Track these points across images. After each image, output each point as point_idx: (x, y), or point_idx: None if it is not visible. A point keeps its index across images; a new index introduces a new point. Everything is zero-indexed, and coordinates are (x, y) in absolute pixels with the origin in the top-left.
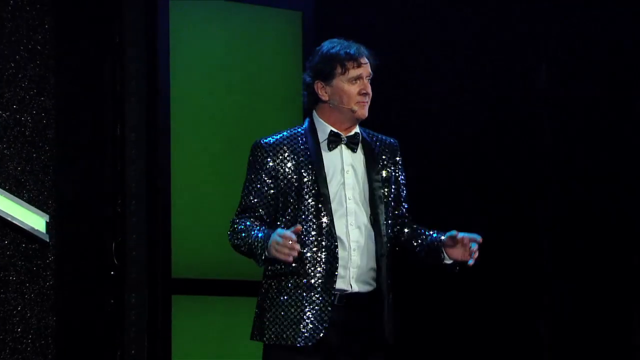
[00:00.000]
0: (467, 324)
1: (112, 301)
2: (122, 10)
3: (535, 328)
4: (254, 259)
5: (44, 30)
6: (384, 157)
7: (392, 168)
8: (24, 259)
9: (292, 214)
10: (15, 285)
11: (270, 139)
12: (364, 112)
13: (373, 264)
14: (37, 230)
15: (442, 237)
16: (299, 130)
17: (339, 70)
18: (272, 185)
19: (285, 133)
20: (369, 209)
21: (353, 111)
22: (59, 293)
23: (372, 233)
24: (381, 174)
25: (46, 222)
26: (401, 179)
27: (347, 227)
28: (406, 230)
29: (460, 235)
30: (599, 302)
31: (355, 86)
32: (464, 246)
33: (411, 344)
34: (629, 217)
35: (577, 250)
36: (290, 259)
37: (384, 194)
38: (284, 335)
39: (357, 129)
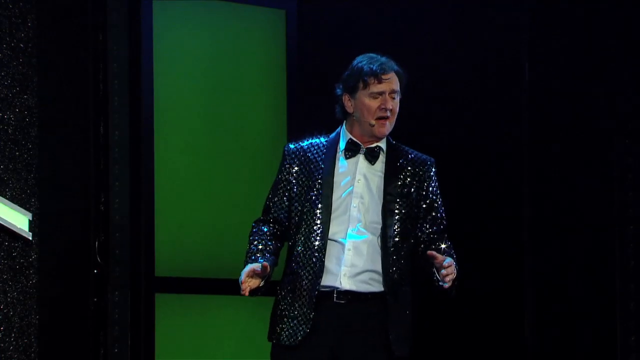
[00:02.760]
0: (452, 327)
1: (95, 299)
2: (105, 9)
3: (521, 331)
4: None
5: (27, 28)
6: (408, 173)
7: (416, 185)
8: (7, 257)
9: (300, 217)
10: None
11: (295, 145)
12: (382, 131)
13: (373, 268)
14: (20, 228)
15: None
16: (326, 137)
17: (361, 85)
18: (287, 188)
19: (313, 140)
20: (379, 220)
21: (372, 126)
22: (42, 291)
23: (377, 243)
24: (399, 189)
25: (29, 221)
26: (430, 198)
27: (346, 232)
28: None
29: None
30: (588, 304)
31: (375, 101)
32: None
33: None
34: (614, 214)
35: (563, 249)
36: (243, 293)
37: (397, 208)
38: (275, 334)
39: (380, 143)
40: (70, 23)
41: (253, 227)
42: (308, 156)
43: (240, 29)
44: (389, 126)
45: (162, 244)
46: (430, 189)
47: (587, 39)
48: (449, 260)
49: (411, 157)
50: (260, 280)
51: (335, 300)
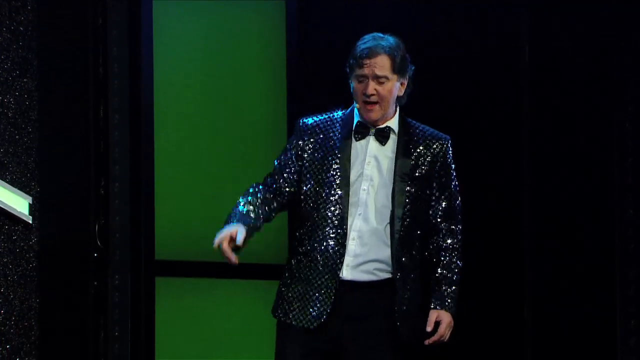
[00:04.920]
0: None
1: (95, 283)
2: None
3: (521, 326)
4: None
5: (27, 12)
6: (421, 152)
7: (429, 164)
8: (7, 241)
9: (312, 197)
10: None
11: (309, 119)
12: (369, 115)
13: (379, 256)
14: (20, 212)
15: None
16: (340, 114)
17: (350, 68)
18: (297, 163)
19: (327, 115)
20: (389, 203)
21: (360, 109)
22: (42, 275)
23: (382, 227)
24: (410, 169)
25: (29, 204)
26: (443, 176)
27: (354, 216)
28: (432, 253)
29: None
30: (590, 305)
31: (360, 85)
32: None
33: None
34: (614, 211)
35: (564, 246)
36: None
37: (407, 190)
38: (293, 319)
39: (390, 123)
40: (70, 6)
41: (252, 186)
42: (324, 134)
43: (240, 19)
44: (377, 110)
45: (162, 228)
46: (443, 167)
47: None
48: (439, 331)
49: (425, 135)
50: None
51: (340, 289)
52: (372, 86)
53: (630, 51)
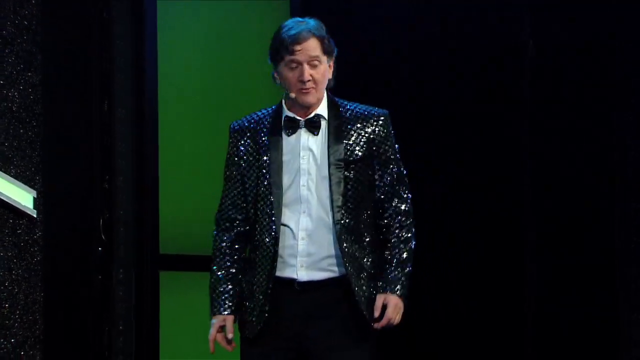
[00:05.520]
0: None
1: (100, 277)
2: None
3: (521, 320)
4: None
5: (31, 6)
6: (355, 132)
7: (366, 143)
8: (12, 235)
9: (255, 202)
10: (3, 261)
11: (238, 122)
12: (305, 99)
13: (331, 252)
14: (24, 206)
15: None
16: (268, 111)
17: (278, 56)
18: (239, 172)
19: (255, 115)
20: (328, 193)
21: (295, 97)
22: (46, 269)
23: (328, 220)
24: (346, 156)
25: (34, 198)
26: (382, 153)
27: (299, 214)
28: (383, 232)
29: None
30: (591, 305)
31: (293, 72)
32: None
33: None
34: (614, 210)
35: (564, 245)
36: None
37: (346, 176)
38: (244, 326)
39: (320, 110)
40: (74, 0)
41: (214, 235)
42: (253, 134)
43: (245, 18)
44: (314, 93)
45: (167, 222)
46: (382, 142)
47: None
48: (386, 315)
49: (357, 114)
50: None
51: (296, 288)
52: (307, 71)
53: (631, 50)
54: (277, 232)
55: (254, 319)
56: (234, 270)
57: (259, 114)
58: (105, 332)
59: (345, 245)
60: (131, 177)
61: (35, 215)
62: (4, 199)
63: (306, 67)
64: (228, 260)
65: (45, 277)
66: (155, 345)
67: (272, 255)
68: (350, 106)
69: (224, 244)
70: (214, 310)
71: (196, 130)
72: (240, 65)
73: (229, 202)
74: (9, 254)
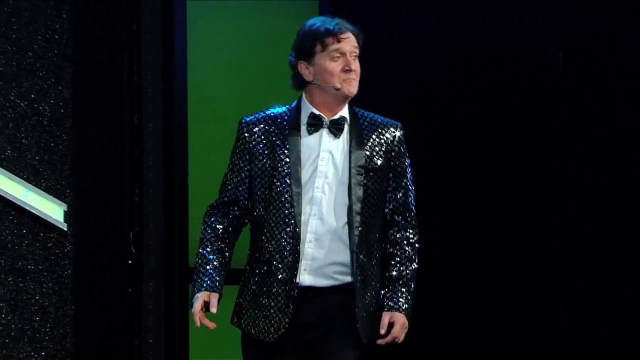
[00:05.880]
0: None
1: (129, 290)
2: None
3: (556, 318)
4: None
5: (62, 20)
6: (374, 142)
7: (384, 154)
8: (42, 248)
9: (264, 200)
10: (34, 274)
11: (252, 117)
12: (350, 89)
13: (338, 259)
14: (55, 219)
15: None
16: (284, 110)
17: (318, 47)
18: (246, 169)
19: (270, 111)
20: (347, 199)
21: (337, 89)
22: (77, 282)
23: (340, 226)
24: (367, 163)
25: (64, 211)
26: (398, 166)
27: (308, 217)
28: (387, 247)
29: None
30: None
31: (337, 63)
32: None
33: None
34: None
35: (601, 248)
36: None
37: (364, 184)
38: (254, 330)
39: (344, 112)
40: (104, 14)
41: (206, 220)
42: (269, 130)
43: (273, 20)
44: (356, 85)
45: (196, 235)
46: (398, 156)
47: None
48: (392, 333)
49: (375, 123)
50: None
51: (298, 295)
52: (353, 61)
53: None
54: (298, 231)
55: (273, 322)
56: (227, 255)
57: (274, 111)
58: (135, 345)
59: (358, 255)
60: (161, 190)
61: (65, 229)
62: (35, 212)
63: (349, 57)
64: (222, 244)
65: (75, 291)
66: (185, 358)
67: (293, 260)
68: (366, 114)
69: (220, 226)
70: (201, 285)
71: (226, 142)
72: (270, 70)
73: (231, 190)
74: (40, 267)
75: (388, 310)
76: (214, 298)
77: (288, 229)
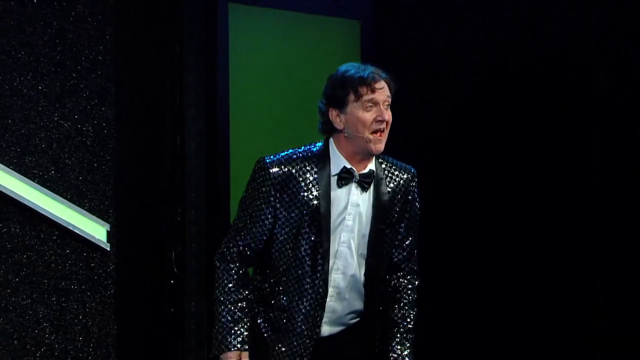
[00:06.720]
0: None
1: (172, 310)
2: (182, 21)
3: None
4: (214, 338)
5: (105, 41)
6: (394, 194)
7: (401, 205)
8: (85, 268)
9: (287, 250)
10: (77, 294)
11: (275, 157)
12: (379, 147)
13: (355, 308)
14: (98, 239)
15: None
16: (311, 154)
17: (352, 96)
18: (270, 217)
19: (294, 154)
20: (365, 252)
21: (368, 142)
22: (119, 302)
23: (361, 279)
24: (388, 217)
25: (107, 231)
26: (411, 217)
27: (331, 270)
28: (390, 292)
29: None
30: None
31: (370, 113)
32: None
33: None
34: None
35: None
36: None
37: (386, 240)
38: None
39: (372, 165)
40: (147, 35)
41: (230, 278)
42: (296, 176)
43: (315, 40)
44: (384, 140)
45: None
46: (413, 206)
47: None
48: None
49: (392, 170)
50: None
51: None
52: (385, 112)
53: None
54: (325, 286)
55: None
56: (249, 306)
57: (299, 153)
58: None
59: (370, 301)
60: (203, 210)
61: (108, 249)
62: (78, 232)
63: (382, 107)
64: (244, 296)
65: (118, 310)
66: None
67: (316, 311)
68: (385, 161)
69: (241, 279)
70: (231, 345)
71: None
72: (313, 94)
73: (252, 238)
74: (83, 287)
75: (396, 357)
76: (245, 357)
77: (314, 283)
